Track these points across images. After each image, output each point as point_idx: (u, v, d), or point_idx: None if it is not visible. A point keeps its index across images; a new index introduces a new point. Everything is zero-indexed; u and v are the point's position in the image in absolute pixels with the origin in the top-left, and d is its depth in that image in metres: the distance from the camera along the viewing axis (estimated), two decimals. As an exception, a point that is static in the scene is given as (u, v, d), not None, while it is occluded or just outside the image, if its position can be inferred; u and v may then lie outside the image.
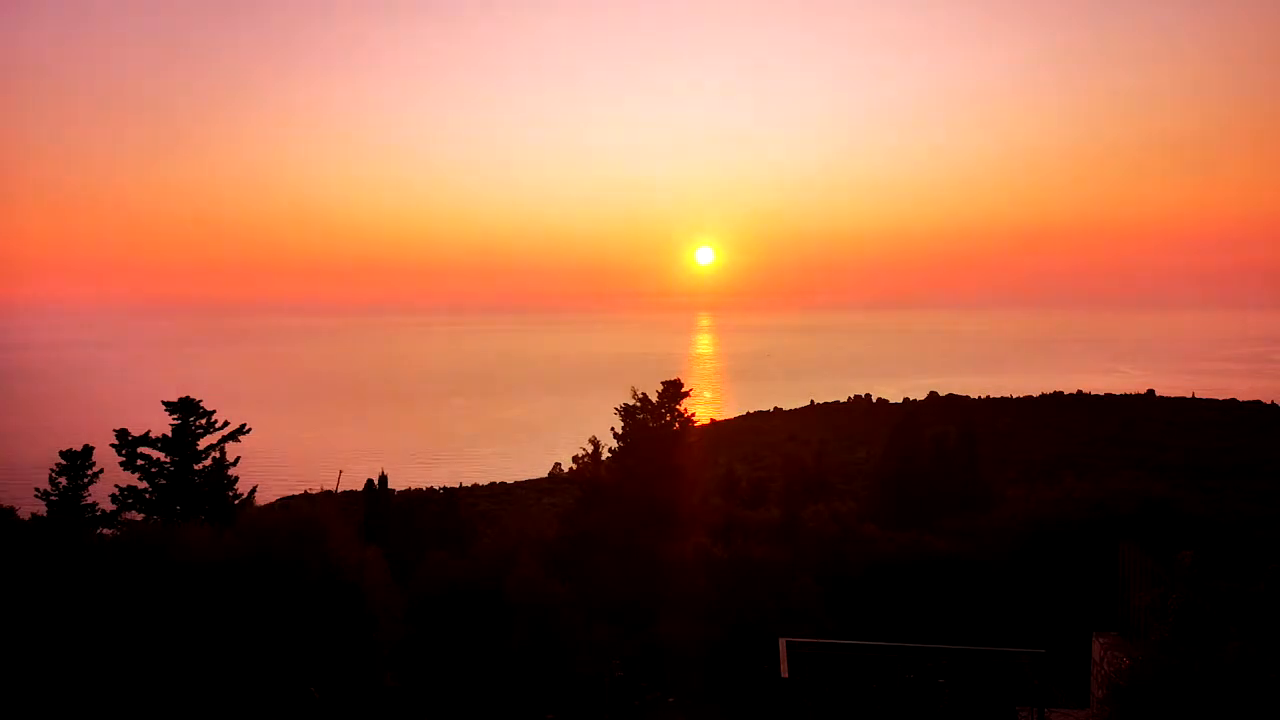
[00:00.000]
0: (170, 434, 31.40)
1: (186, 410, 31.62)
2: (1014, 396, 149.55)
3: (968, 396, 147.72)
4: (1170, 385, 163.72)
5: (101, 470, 30.32)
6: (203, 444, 31.66)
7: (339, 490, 56.85)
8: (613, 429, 34.47)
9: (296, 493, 72.66)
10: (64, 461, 29.79)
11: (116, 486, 30.71)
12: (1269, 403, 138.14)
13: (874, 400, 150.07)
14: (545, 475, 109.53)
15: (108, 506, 30.23)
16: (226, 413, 32.96)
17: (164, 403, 32.01)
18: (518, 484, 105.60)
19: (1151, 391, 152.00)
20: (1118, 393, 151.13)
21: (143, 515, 30.36)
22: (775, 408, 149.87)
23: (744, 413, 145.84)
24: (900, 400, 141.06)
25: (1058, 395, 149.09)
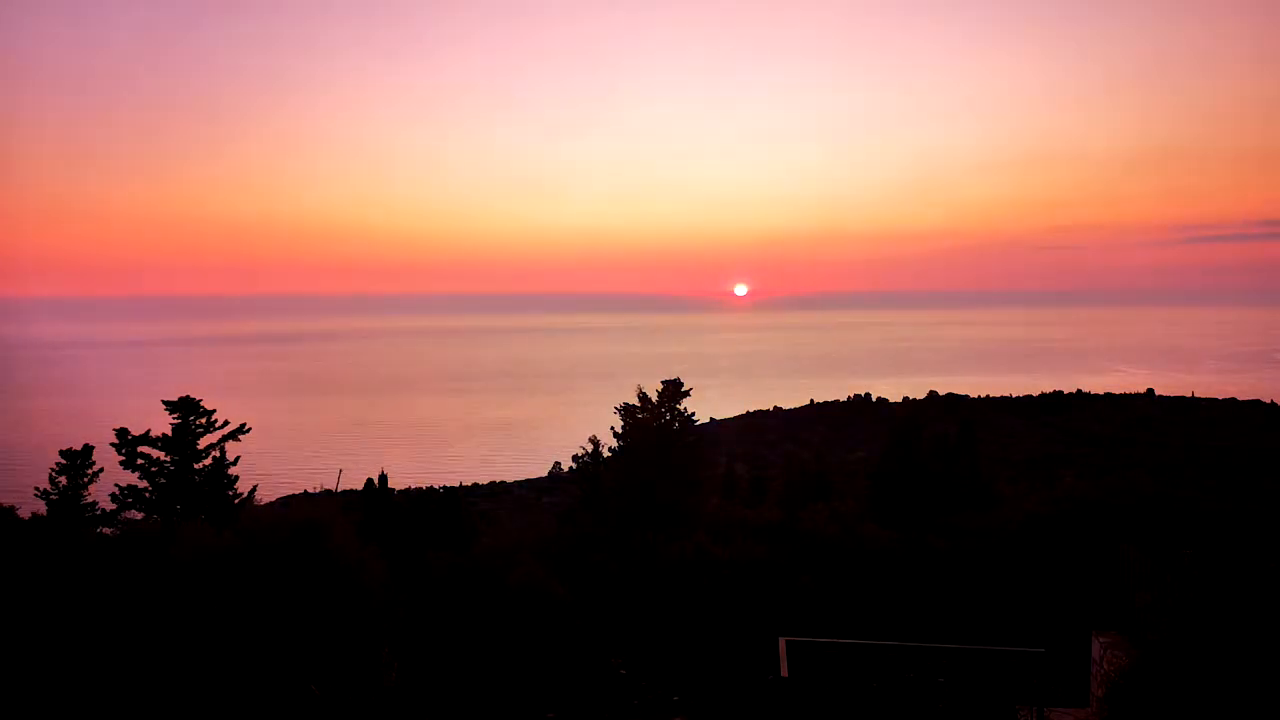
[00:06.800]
0: (170, 433, 31.39)
1: (187, 409, 31.61)
2: (1014, 396, 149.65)
3: (968, 396, 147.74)
4: (1170, 385, 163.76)
5: (101, 470, 30.32)
6: (203, 443, 31.65)
7: (339, 490, 56.88)
8: (612, 428, 34.51)
9: (297, 492, 72.74)
10: (64, 461, 29.80)
11: (116, 486, 30.71)
12: (1269, 402, 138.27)
13: (874, 400, 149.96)
14: (545, 475, 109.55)
15: (108, 506, 30.23)
16: (230, 411, 32.99)
17: (164, 402, 32.01)
18: (518, 484, 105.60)
19: (1151, 391, 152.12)
20: (1118, 392, 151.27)
21: (143, 514, 30.37)
22: (775, 407, 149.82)
23: (744, 412, 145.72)
24: (900, 400, 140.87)
25: (1058, 395, 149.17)
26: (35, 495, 29.59)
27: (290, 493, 74.02)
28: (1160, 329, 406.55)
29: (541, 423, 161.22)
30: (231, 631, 20.97)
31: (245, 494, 32.17)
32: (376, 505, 40.48)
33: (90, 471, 29.89)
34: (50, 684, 20.23)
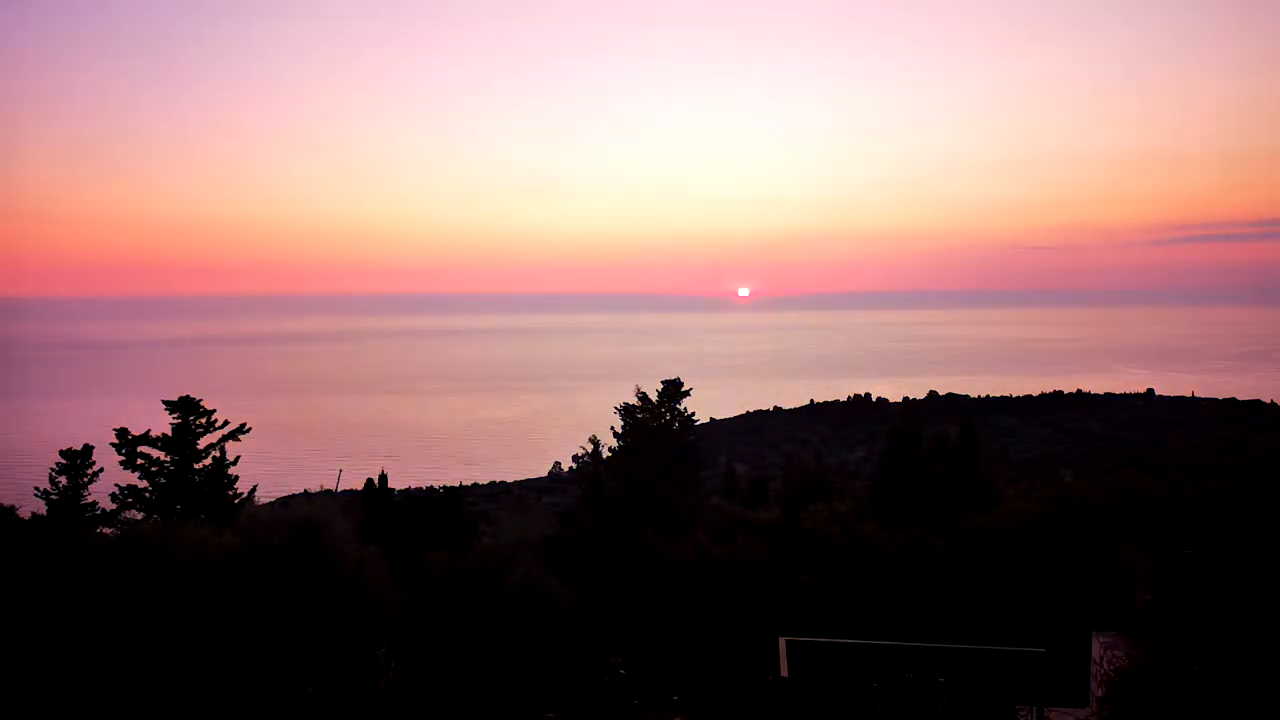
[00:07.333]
0: (170, 433, 31.41)
1: (187, 409, 31.63)
2: (1014, 396, 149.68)
3: (968, 396, 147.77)
4: (1170, 385, 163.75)
5: (101, 469, 30.32)
6: (203, 443, 31.67)
7: (339, 490, 56.83)
8: (613, 428, 34.52)
9: (297, 492, 72.69)
10: (64, 461, 29.79)
11: (116, 486, 30.71)
12: (1269, 402, 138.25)
13: (874, 400, 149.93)
14: (545, 475, 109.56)
15: (108, 506, 30.23)
16: (230, 411, 33.01)
17: (164, 402, 32.03)
18: (518, 484, 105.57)
19: (1151, 391, 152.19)
20: (1118, 392, 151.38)
21: (143, 514, 30.37)
22: (775, 407, 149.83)
23: (744, 412, 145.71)
24: (900, 400, 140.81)
25: (1058, 395, 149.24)
26: (35, 495, 29.59)
27: (290, 493, 73.98)
28: (1160, 329, 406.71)
29: (541, 423, 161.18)
30: (230, 632, 20.97)
31: (245, 494, 32.19)
32: (376, 505, 40.43)
33: (90, 471, 29.88)
34: (51, 684, 20.23)
